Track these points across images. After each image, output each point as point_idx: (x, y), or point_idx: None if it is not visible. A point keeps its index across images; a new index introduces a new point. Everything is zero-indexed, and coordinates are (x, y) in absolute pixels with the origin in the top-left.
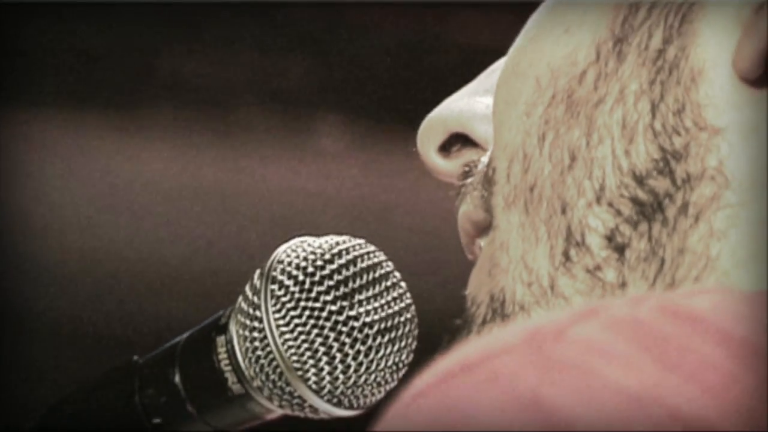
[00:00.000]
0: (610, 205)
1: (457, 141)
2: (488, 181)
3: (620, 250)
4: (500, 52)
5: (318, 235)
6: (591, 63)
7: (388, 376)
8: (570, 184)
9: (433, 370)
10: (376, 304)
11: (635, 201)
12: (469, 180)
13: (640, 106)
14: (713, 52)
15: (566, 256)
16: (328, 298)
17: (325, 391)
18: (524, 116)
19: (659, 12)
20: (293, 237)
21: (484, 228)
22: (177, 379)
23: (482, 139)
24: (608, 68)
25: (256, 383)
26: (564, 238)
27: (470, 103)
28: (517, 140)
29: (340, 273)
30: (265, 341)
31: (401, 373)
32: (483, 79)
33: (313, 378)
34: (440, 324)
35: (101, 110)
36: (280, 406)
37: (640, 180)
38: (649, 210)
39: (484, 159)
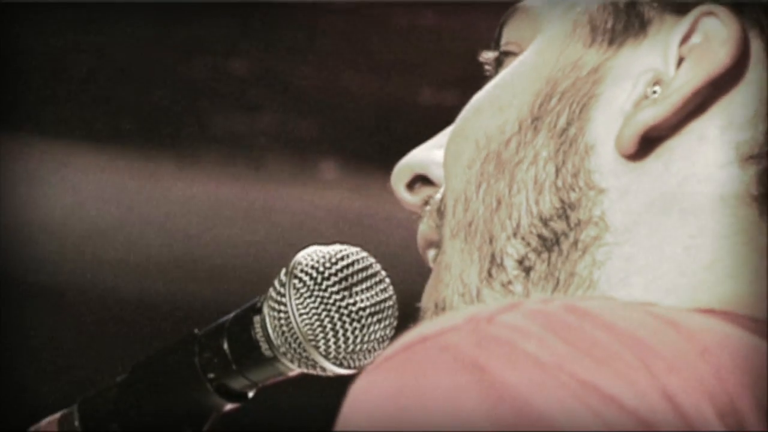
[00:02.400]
0: (523, 238)
1: (418, 180)
2: (439, 214)
3: (527, 270)
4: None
5: (325, 244)
6: (515, 133)
7: (376, 345)
8: (496, 221)
9: (399, 341)
10: (368, 294)
11: (540, 236)
12: (426, 208)
13: (548, 168)
14: (602, 132)
15: (489, 273)
16: (334, 289)
17: (331, 356)
18: (466, 168)
19: (566, 100)
20: (305, 246)
21: (432, 243)
22: (225, 346)
23: (437, 179)
24: (527, 138)
25: (282, 350)
26: (489, 261)
27: (429, 154)
28: (461, 187)
29: (342, 272)
30: (289, 319)
31: (386, 343)
32: (438, 137)
33: (323, 346)
34: (411, 307)
35: (148, 146)
36: (299, 366)
37: (544, 222)
38: (549, 243)
39: (438, 195)
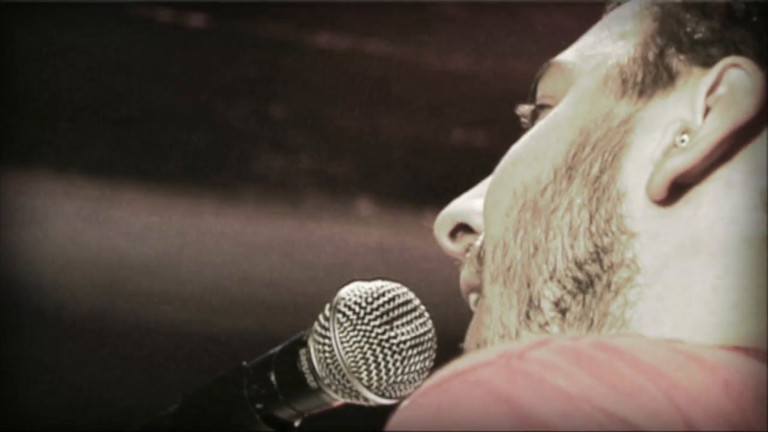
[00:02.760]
0: (559, 281)
1: (460, 229)
2: (480, 260)
3: (563, 312)
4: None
5: (367, 280)
6: (550, 182)
7: (416, 376)
8: (533, 266)
9: (436, 375)
10: (408, 327)
11: (575, 279)
12: (467, 255)
13: (582, 214)
14: (634, 179)
15: (527, 315)
16: (376, 323)
17: (374, 387)
18: (504, 216)
19: (599, 150)
20: (345, 282)
21: (474, 288)
22: (273, 378)
23: (477, 227)
24: (562, 186)
25: (326, 381)
26: (527, 303)
27: (470, 203)
28: (499, 233)
29: (383, 306)
30: (333, 352)
31: (426, 374)
32: (478, 187)
33: (365, 377)
34: (449, 338)
35: (186, 184)
36: (342, 397)
37: (579, 265)
38: (584, 285)
39: (477, 242)
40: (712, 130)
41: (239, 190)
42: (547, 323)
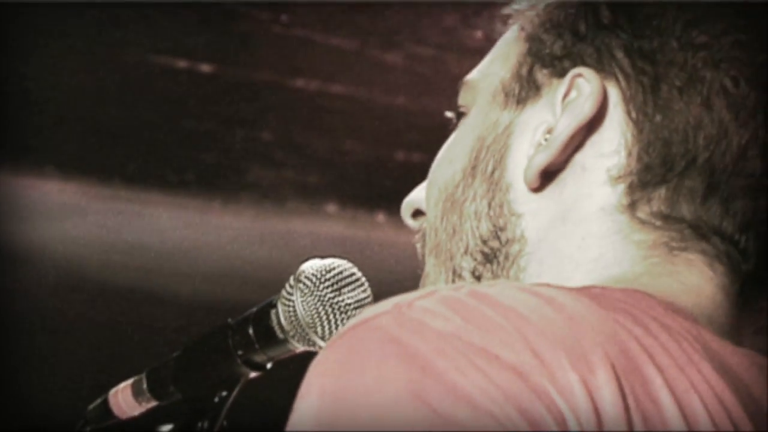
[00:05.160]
0: (471, 255)
1: (418, 213)
2: (423, 238)
3: (478, 278)
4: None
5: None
6: (461, 180)
7: None
8: (453, 244)
9: (349, 322)
10: (353, 294)
11: (482, 253)
12: (418, 234)
13: (483, 203)
14: (516, 173)
15: (453, 281)
16: (328, 290)
17: (326, 338)
18: (434, 206)
19: (491, 152)
20: (308, 260)
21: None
22: (251, 331)
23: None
24: (468, 183)
25: (291, 334)
26: (452, 272)
27: (422, 193)
28: (431, 219)
29: (334, 278)
30: (296, 312)
31: None
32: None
33: (320, 331)
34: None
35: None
36: (303, 345)
37: (484, 242)
38: (490, 257)
39: (424, 225)
40: (563, 128)
41: (238, 195)
42: None
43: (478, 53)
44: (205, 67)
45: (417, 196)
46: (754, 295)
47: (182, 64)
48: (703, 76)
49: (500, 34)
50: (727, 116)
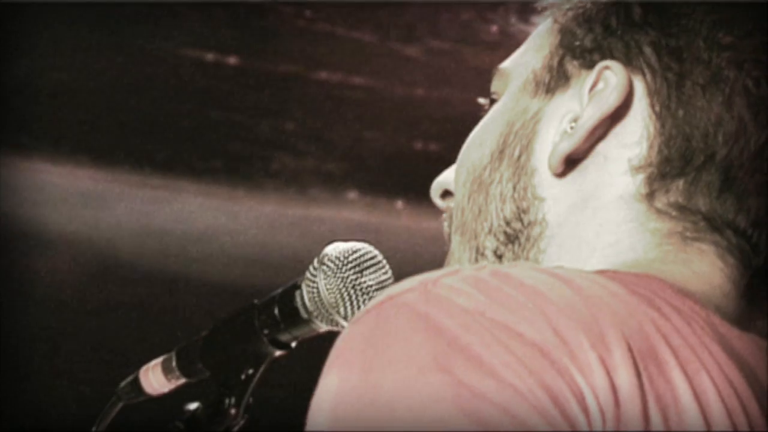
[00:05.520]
0: (494, 235)
1: (447, 193)
2: (449, 216)
3: (500, 257)
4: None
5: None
6: (488, 162)
7: None
8: (478, 223)
9: (375, 298)
10: (374, 275)
11: (505, 233)
12: (445, 214)
13: (508, 186)
14: (542, 158)
15: (476, 259)
16: (350, 272)
17: (348, 318)
18: (462, 187)
19: (519, 137)
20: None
21: (449, 236)
22: (276, 311)
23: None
24: (495, 166)
25: (315, 314)
26: (475, 251)
27: (452, 174)
28: (459, 199)
29: (356, 260)
30: (319, 293)
31: None
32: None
33: (342, 311)
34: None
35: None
36: (326, 325)
37: (507, 223)
38: (512, 238)
39: (451, 204)
40: (589, 117)
41: (263, 182)
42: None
43: (493, 47)
44: (232, 60)
45: (447, 177)
46: (762, 289)
47: (210, 57)
48: (727, 75)
49: (516, 29)
50: (747, 115)
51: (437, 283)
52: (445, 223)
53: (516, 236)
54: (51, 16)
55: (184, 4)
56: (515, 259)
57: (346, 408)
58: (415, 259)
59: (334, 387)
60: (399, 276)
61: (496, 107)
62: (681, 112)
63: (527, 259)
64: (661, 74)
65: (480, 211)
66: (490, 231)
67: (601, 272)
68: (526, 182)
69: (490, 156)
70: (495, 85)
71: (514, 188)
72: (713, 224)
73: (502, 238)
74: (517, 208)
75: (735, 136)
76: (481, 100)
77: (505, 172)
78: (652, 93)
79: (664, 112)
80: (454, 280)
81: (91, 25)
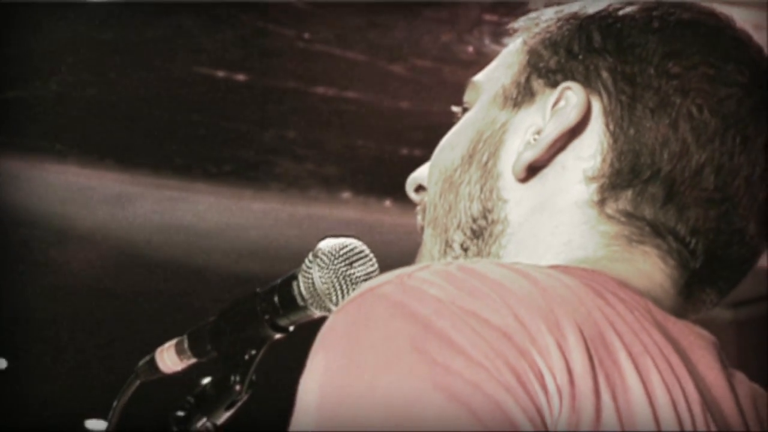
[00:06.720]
0: (462, 230)
1: (421, 187)
2: (423, 211)
3: (465, 251)
4: None
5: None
6: (459, 165)
7: None
8: (448, 219)
9: (356, 291)
10: (362, 267)
11: (471, 229)
12: (419, 207)
13: (476, 187)
14: (507, 164)
15: (445, 251)
16: (341, 265)
17: (339, 305)
18: (434, 185)
19: (487, 144)
20: (325, 239)
21: (421, 229)
22: (276, 299)
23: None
24: (465, 168)
25: (310, 301)
26: (445, 243)
27: (426, 171)
28: (431, 196)
29: (346, 254)
30: (314, 283)
31: None
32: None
33: (334, 299)
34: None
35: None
36: (320, 312)
37: (474, 220)
38: (477, 234)
39: (425, 199)
40: (550, 131)
41: (268, 184)
42: (457, 257)
43: (469, 65)
44: (240, 77)
45: (421, 173)
46: (697, 289)
47: (221, 74)
48: (674, 101)
49: (489, 49)
50: (690, 137)
51: (412, 276)
52: (419, 216)
53: (481, 232)
54: (82, 39)
55: (198, 29)
56: (479, 253)
57: (332, 386)
58: (401, 251)
59: (321, 367)
60: (387, 267)
61: (468, 115)
62: (632, 131)
63: (489, 253)
64: (616, 96)
65: (450, 208)
66: (458, 226)
67: (555, 267)
68: (492, 185)
69: (461, 159)
70: (468, 95)
71: (481, 189)
72: (657, 230)
73: (468, 233)
74: (483, 207)
75: (679, 155)
76: (455, 108)
77: (474, 175)
78: (607, 113)
79: (617, 130)
80: (427, 274)
81: (117, 47)
